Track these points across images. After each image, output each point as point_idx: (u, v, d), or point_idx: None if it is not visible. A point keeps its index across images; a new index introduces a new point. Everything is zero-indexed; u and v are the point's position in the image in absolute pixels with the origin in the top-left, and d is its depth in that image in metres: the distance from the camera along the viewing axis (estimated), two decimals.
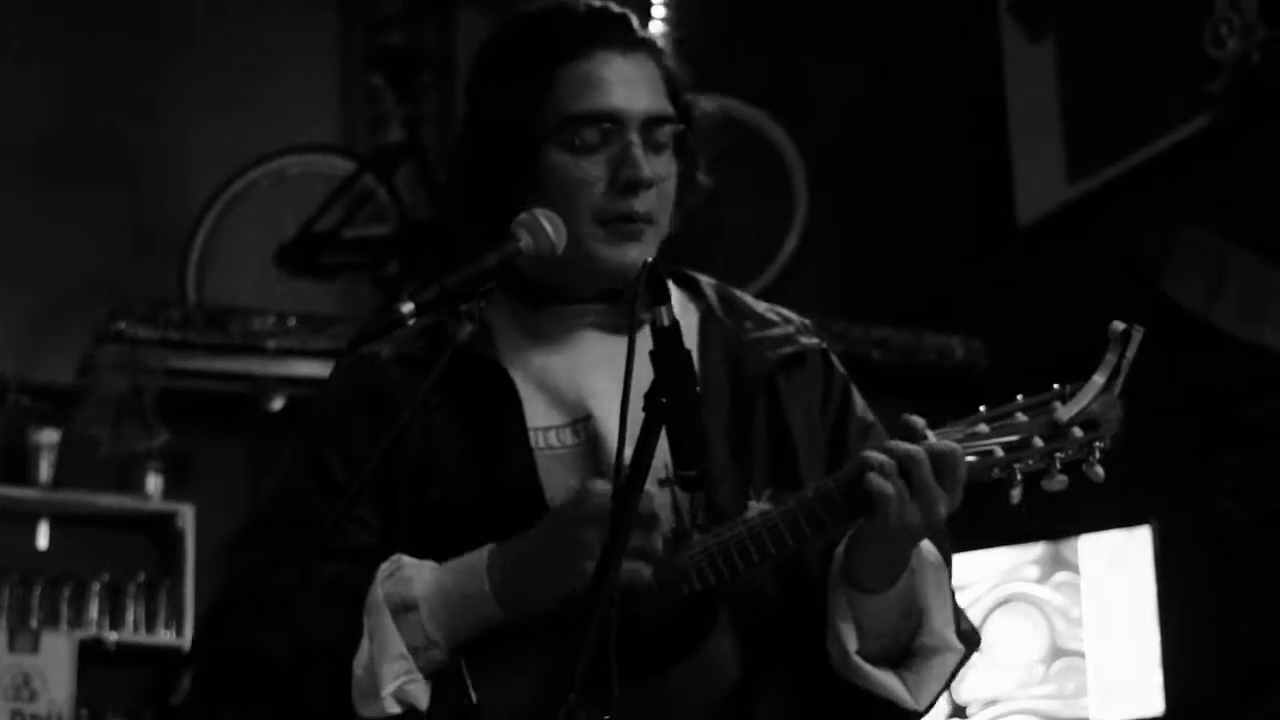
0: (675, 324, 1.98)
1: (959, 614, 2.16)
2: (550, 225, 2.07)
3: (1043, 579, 4.97)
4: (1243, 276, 4.92)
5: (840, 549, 2.09)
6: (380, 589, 2.02)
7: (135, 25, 6.96)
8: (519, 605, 2.01)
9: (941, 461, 1.97)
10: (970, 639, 2.15)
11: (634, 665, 1.88)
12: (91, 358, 5.58)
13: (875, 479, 1.96)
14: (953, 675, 2.14)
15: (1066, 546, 4.93)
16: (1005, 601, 5.00)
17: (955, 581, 2.18)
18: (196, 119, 6.88)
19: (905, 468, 1.96)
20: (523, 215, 2.07)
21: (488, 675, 2.02)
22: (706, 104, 2.29)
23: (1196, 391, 5.03)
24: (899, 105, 6.54)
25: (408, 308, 1.94)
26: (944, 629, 2.10)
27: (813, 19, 6.90)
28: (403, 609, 2.00)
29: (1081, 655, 4.87)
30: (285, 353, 5.56)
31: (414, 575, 2.03)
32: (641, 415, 1.92)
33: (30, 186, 6.30)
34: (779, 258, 6.40)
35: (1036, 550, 4.98)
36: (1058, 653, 4.91)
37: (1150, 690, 4.71)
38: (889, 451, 1.98)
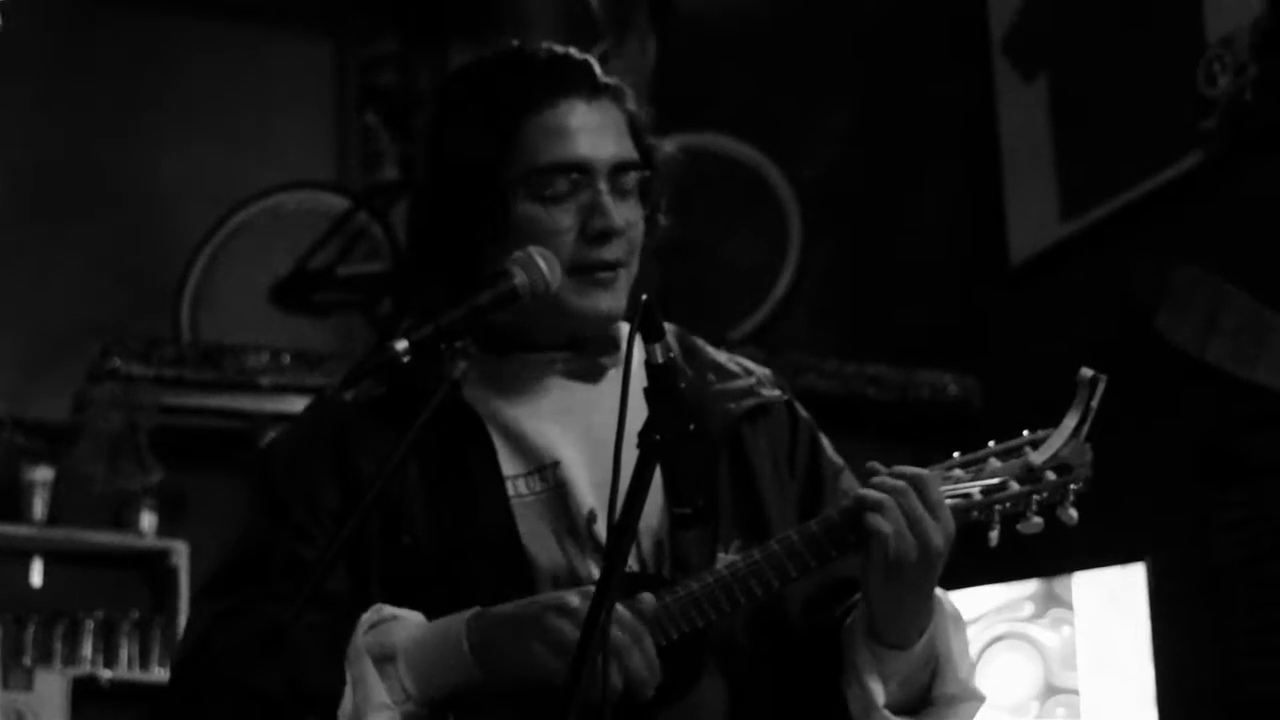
0: (671, 361, 1.98)
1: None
2: (545, 262, 2.07)
3: (1037, 616, 4.96)
4: (1237, 314, 4.92)
5: (858, 612, 2.09)
6: (361, 639, 2.01)
7: (131, 64, 6.98)
8: (495, 673, 1.99)
9: (919, 484, 1.98)
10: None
11: (623, 712, 1.87)
12: (86, 395, 5.58)
13: (873, 517, 1.97)
14: None
15: (1060, 584, 4.92)
16: (999, 639, 4.98)
17: None
18: (192, 157, 6.89)
19: (896, 500, 1.98)
20: (517, 253, 2.07)
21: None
22: (668, 145, 2.30)
23: (1190, 429, 5.03)
24: (893, 143, 6.55)
25: (401, 345, 1.94)
26: (968, 678, 2.11)
27: (808, 59, 6.92)
28: (382, 660, 1.99)
29: (1076, 693, 4.85)
30: (279, 389, 5.56)
31: (394, 628, 2.02)
32: (616, 453, 1.91)
33: (25, 224, 6.30)
34: (774, 294, 6.41)
35: (1031, 587, 4.97)
36: (1052, 690, 4.90)
37: None
38: (878, 488, 1.99)
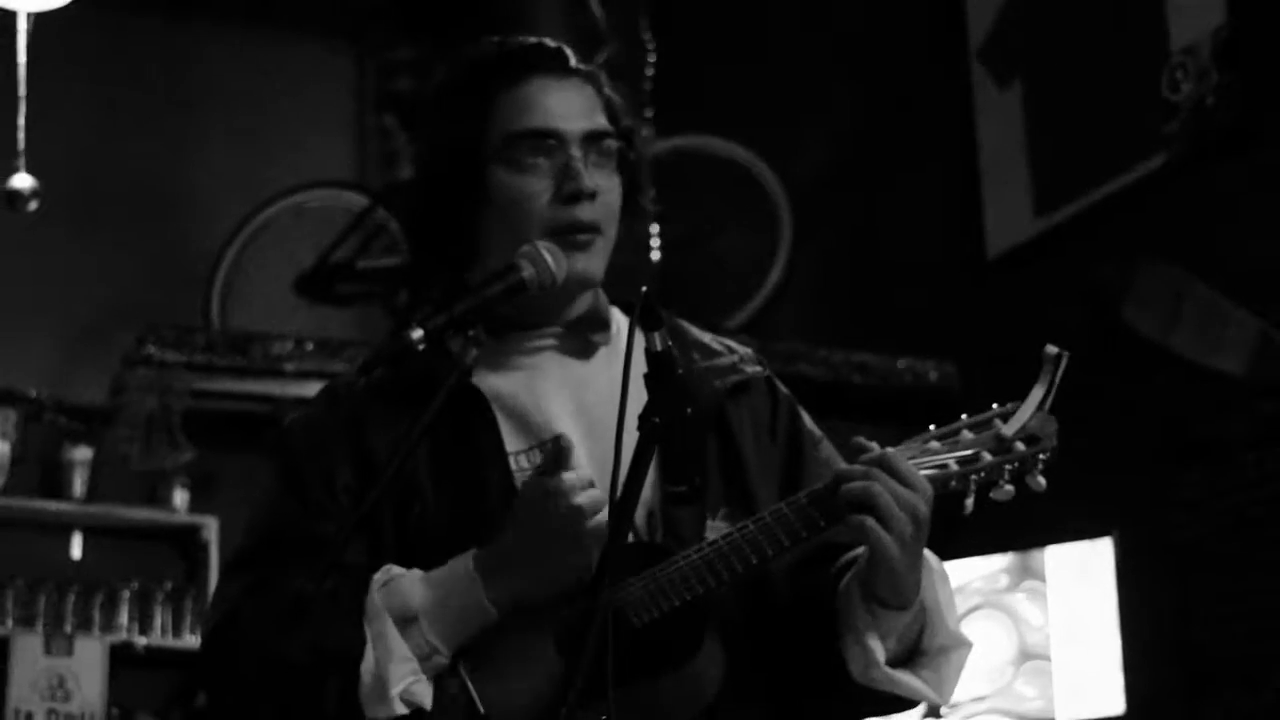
0: (668, 348, 1.97)
1: None
2: (551, 257, 2.06)
3: (1012, 587, 4.96)
4: (1198, 305, 4.92)
5: (858, 568, 2.07)
6: (378, 597, 2.00)
7: (165, 69, 6.98)
8: (518, 606, 2.00)
9: (886, 463, 1.98)
10: None
11: (625, 673, 1.87)
12: (122, 380, 5.58)
13: (859, 485, 1.97)
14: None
15: (1034, 557, 4.93)
16: (976, 608, 4.99)
17: None
18: (221, 157, 6.90)
19: (884, 463, 1.98)
20: (525, 248, 2.07)
21: (491, 677, 2.01)
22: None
23: (1154, 413, 5.03)
24: (877, 145, 6.55)
25: (417, 334, 1.94)
26: (955, 627, 2.11)
27: (798, 67, 6.92)
28: (404, 621, 1.99)
29: (1048, 658, 4.86)
30: (303, 375, 5.55)
31: (408, 587, 2.01)
32: (613, 434, 1.91)
33: (66, 220, 6.30)
34: (765, 287, 6.41)
35: (1006, 560, 4.98)
36: (1025, 656, 4.90)
37: (1112, 690, 4.70)
38: (859, 462, 1.99)
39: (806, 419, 2.30)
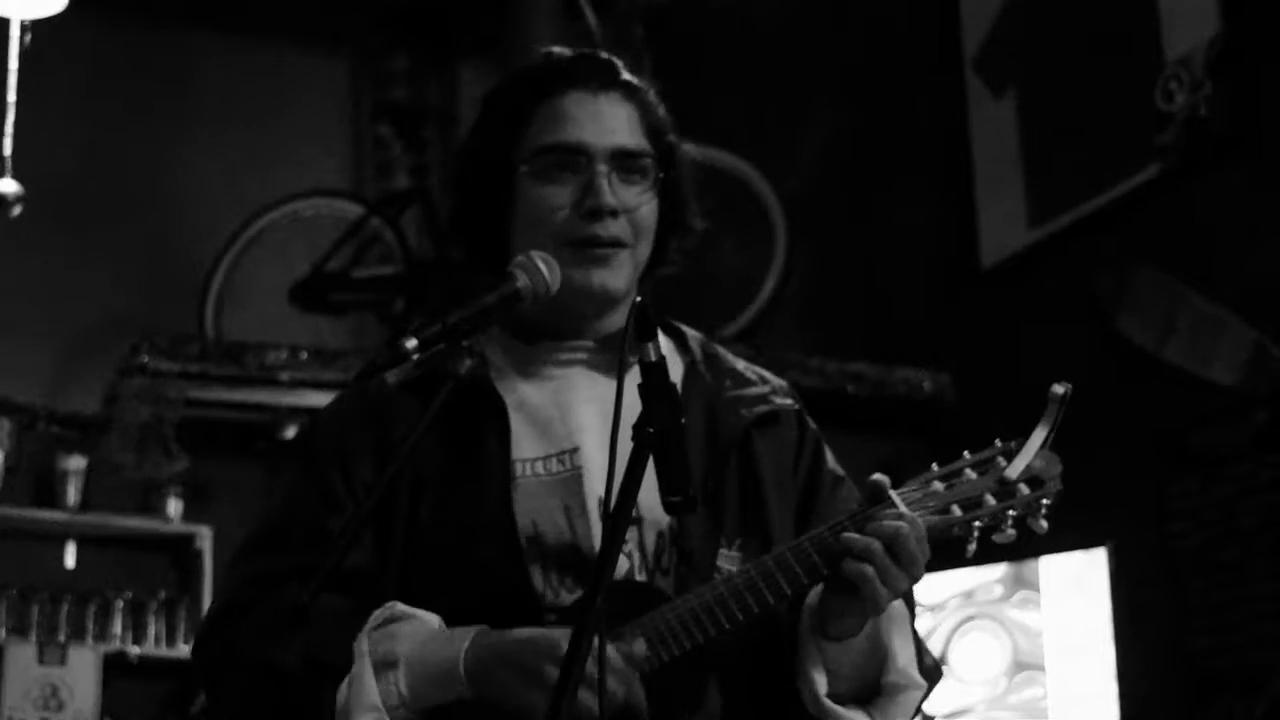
0: (662, 359, 1.97)
1: (922, 650, 2.16)
2: (545, 266, 2.06)
3: (1006, 597, 4.96)
4: (1192, 315, 4.93)
5: (810, 601, 2.08)
6: (366, 640, 1.99)
7: (161, 79, 6.98)
8: (485, 698, 1.96)
9: (893, 545, 1.97)
10: (933, 674, 2.16)
11: None
12: (116, 389, 5.57)
13: (852, 564, 1.97)
14: (917, 709, 2.14)
15: (1028, 567, 4.92)
16: (971, 619, 4.99)
17: (926, 600, 2.18)
18: (215, 166, 6.90)
19: (890, 547, 1.97)
20: (519, 258, 2.07)
21: None
22: (693, 150, 2.29)
23: (1149, 423, 5.03)
24: (872, 156, 6.56)
25: (411, 343, 1.94)
26: (908, 668, 2.10)
27: (793, 78, 6.93)
28: (384, 665, 1.97)
29: (1042, 669, 4.86)
30: (298, 384, 5.55)
31: (401, 632, 2.00)
32: (628, 447, 1.91)
33: (59, 230, 6.30)
34: (760, 297, 6.41)
35: (1000, 570, 4.98)
36: (1020, 666, 4.90)
37: (1107, 700, 4.70)
38: (874, 534, 1.98)
39: (830, 458, 2.29)
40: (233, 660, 2.05)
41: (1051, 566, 4.88)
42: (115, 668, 5.38)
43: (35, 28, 4.12)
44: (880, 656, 2.08)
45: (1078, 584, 4.82)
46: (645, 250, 2.20)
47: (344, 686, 1.97)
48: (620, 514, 1.83)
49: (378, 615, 2.01)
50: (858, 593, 1.98)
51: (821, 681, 2.06)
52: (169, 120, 6.93)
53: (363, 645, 1.99)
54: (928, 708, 2.22)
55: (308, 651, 1.99)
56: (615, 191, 2.15)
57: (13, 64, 4.06)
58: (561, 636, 1.90)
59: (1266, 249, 4.78)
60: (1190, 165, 5.04)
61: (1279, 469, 4.67)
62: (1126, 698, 4.68)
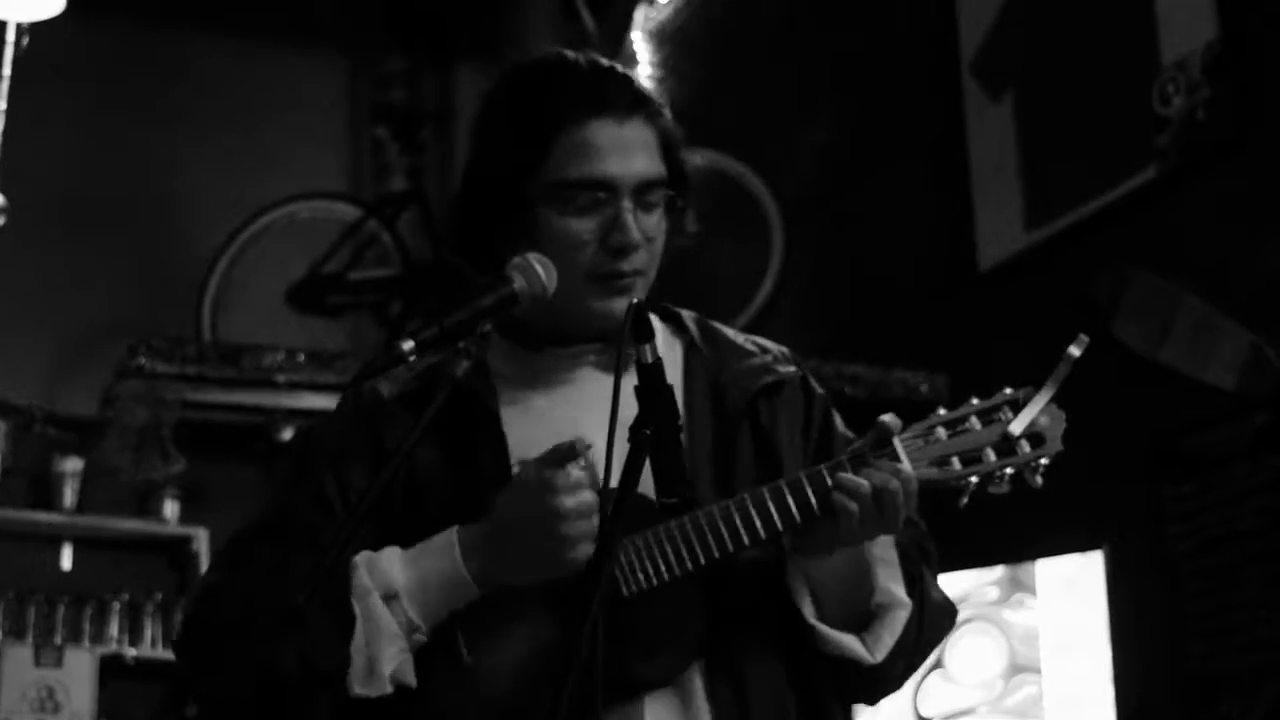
0: (658, 361, 1.97)
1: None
2: (542, 268, 2.06)
3: (1002, 600, 4.96)
4: (1189, 318, 4.92)
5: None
6: (365, 577, 2.01)
7: (157, 80, 6.98)
8: (500, 585, 2.01)
9: (907, 489, 2.00)
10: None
11: (612, 692, 1.88)
12: (113, 391, 5.57)
13: (838, 496, 1.99)
14: (910, 632, 2.16)
15: (1024, 570, 4.92)
16: (967, 621, 4.99)
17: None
18: (212, 168, 6.90)
19: (877, 494, 1.98)
20: (516, 259, 2.07)
21: (480, 637, 2.03)
22: (697, 158, 2.30)
23: (1145, 426, 5.03)
24: (869, 158, 6.55)
25: (408, 346, 1.94)
26: (890, 585, 2.13)
27: (791, 80, 6.92)
28: (387, 598, 2.00)
29: (1039, 672, 4.86)
30: (294, 386, 5.55)
31: (389, 567, 2.02)
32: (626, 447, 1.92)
33: (56, 232, 6.30)
34: (757, 299, 6.42)
35: (996, 573, 4.97)
36: (1016, 669, 4.90)
37: (1103, 704, 4.70)
38: (866, 478, 2.00)
39: (839, 421, 2.32)
40: (226, 659, 2.06)
41: (1048, 569, 4.88)
42: (112, 669, 5.38)
43: (33, 28, 4.13)
44: (868, 585, 2.11)
45: (1074, 586, 4.82)
46: (655, 271, 2.22)
47: (357, 626, 1.99)
48: (615, 517, 1.84)
49: (359, 558, 2.03)
50: (835, 522, 2.00)
51: (807, 604, 2.09)
52: (165, 122, 6.92)
53: (364, 580, 2.01)
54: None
55: (303, 652, 1.99)
56: (638, 222, 2.14)
57: (6, 69, 4.06)
58: (534, 467, 1.96)
59: (1265, 252, 4.78)
60: (1188, 168, 5.04)
61: (1276, 472, 4.67)
62: (1123, 700, 4.68)
